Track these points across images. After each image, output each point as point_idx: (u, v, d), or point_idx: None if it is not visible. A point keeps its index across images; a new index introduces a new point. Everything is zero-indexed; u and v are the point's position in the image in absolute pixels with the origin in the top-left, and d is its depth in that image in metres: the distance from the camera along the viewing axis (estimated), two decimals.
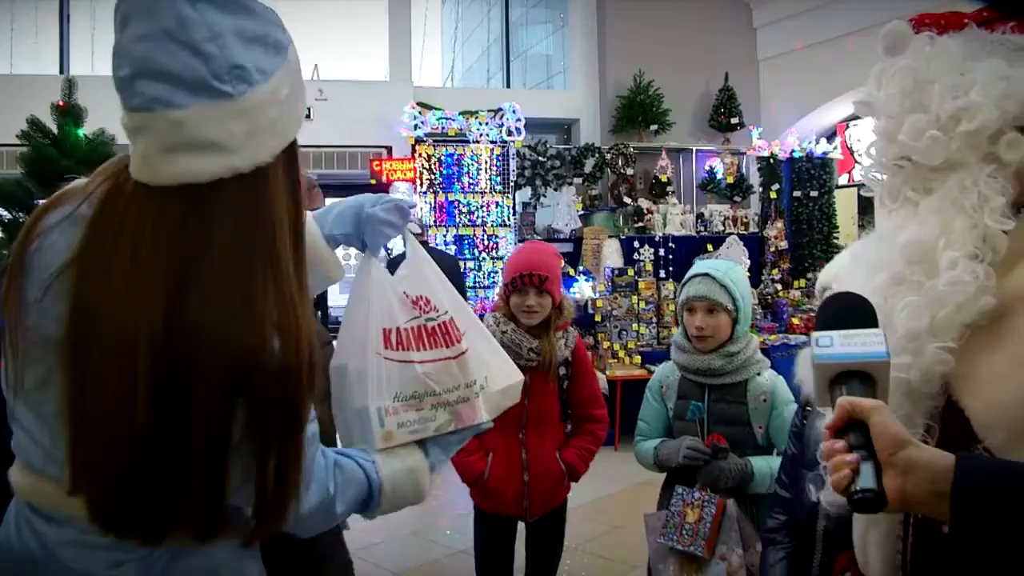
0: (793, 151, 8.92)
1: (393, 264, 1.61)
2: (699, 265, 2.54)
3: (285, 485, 1.02)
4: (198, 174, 0.95)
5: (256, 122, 0.98)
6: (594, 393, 2.89)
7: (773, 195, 8.89)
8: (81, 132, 3.26)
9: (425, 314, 1.48)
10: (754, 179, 9.18)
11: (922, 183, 1.10)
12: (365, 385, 1.37)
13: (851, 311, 1.00)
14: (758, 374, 2.43)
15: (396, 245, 6.67)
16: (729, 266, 2.52)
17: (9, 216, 3.00)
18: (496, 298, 2.93)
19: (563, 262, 2.95)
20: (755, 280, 8.13)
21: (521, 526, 2.88)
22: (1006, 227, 1.01)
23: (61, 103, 3.15)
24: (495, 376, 1.55)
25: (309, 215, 1.46)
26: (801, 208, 8.96)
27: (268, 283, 0.98)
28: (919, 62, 1.12)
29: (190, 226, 0.96)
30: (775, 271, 8.50)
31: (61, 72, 8.77)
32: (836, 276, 1.27)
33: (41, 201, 3.34)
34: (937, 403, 1.02)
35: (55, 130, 3.27)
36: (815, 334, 0.99)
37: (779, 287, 8.33)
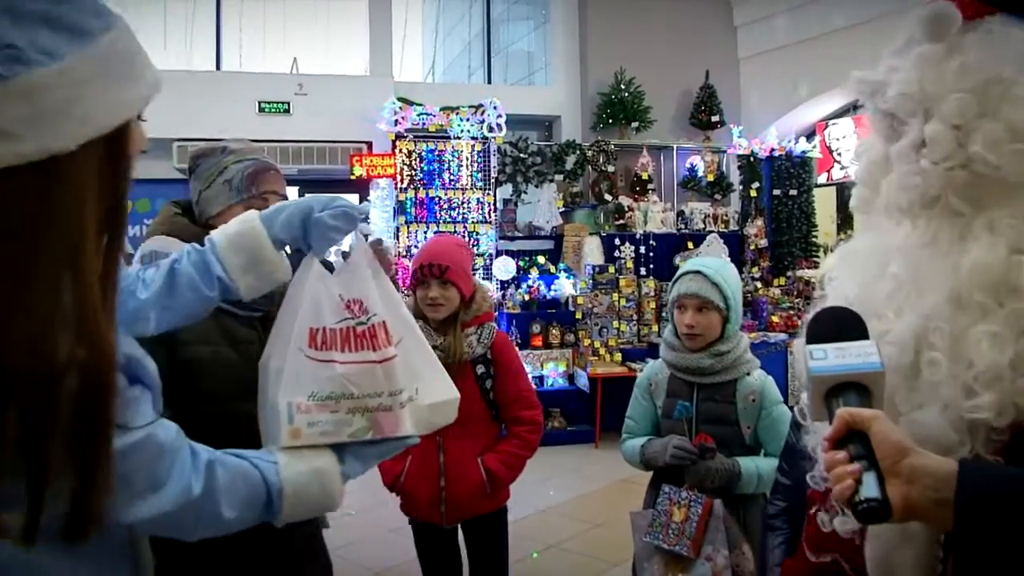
0: (773, 149, 8.97)
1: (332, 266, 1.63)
2: (691, 262, 2.52)
3: (81, 504, 0.94)
4: None
5: (40, 105, 0.90)
6: (520, 393, 2.72)
7: (753, 193, 8.93)
8: None
9: (356, 317, 1.44)
10: (734, 177, 9.23)
11: (971, 192, 1.02)
12: (282, 379, 1.34)
13: (843, 324, 1.00)
14: (748, 374, 2.42)
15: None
16: (721, 264, 2.50)
17: None
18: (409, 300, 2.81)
19: (473, 256, 2.82)
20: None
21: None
22: None
23: None
24: (427, 389, 1.50)
25: (255, 214, 1.46)
26: (781, 206, 9.01)
27: (60, 284, 0.91)
28: (985, 59, 1.02)
29: None
30: (755, 269, 8.54)
31: None
32: (836, 276, 1.20)
33: None
34: (1003, 438, 0.96)
35: None
36: (809, 347, 0.99)
37: (759, 285, 8.38)
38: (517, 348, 2.75)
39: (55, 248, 0.92)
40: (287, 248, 1.57)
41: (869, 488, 0.86)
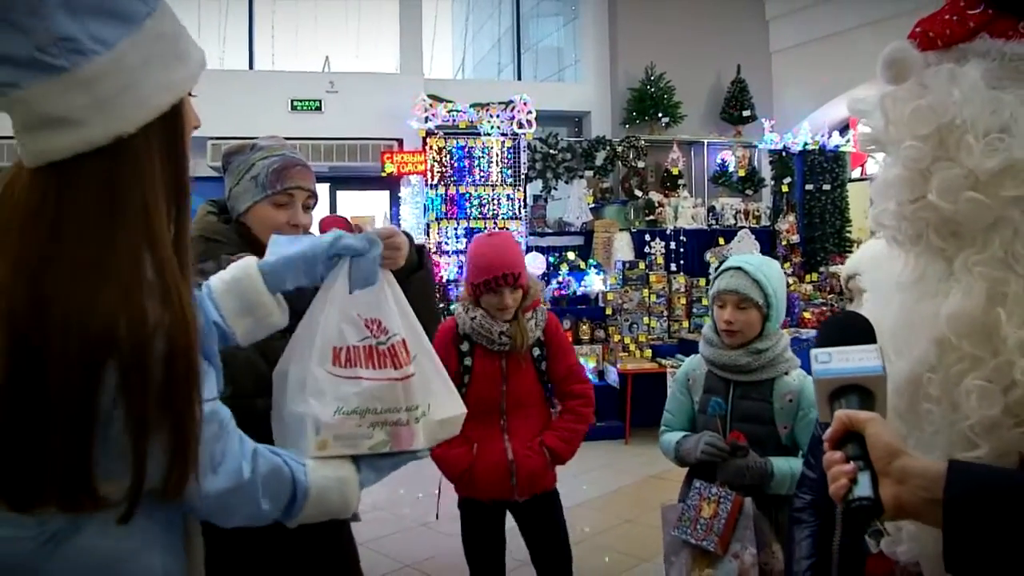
0: (805, 144, 8.87)
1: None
2: (734, 258, 2.49)
3: (174, 464, 1.01)
4: (56, 150, 0.97)
5: (101, 92, 0.97)
6: (571, 368, 2.82)
7: (785, 188, 8.85)
8: None
9: (375, 337, 1.51)
10: (766, 172, 9.15)
11: (947, 227, 1.00)
12: (306, 393, 1.40)
13: (850, 329, 1.03)
14: (786, 373, 2.39)
15: None
16: (764, 260, 2.47)
17: None
18: (462, 291, 2.88)
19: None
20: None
21: (511, 523, 2.84)
22: None
23: None
24: (438, 405, 1.56)
25: (252, 260, 1.44)
26: (813, 202, 8.91)
27: (141, 255, 0.99)
28: (941, 103, 0.99)
29: (51, 202, 0.97)
30: (787, 265, 8.46)
31: None
32: (864, 266, 1.21)
33: None
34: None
35: None
36: (814, 351, 1.02)
37: (791, 281, 8.30)
38: None
39: (130, 223, 0.99)
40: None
41: (862, 487, 0.89)
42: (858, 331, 1.02)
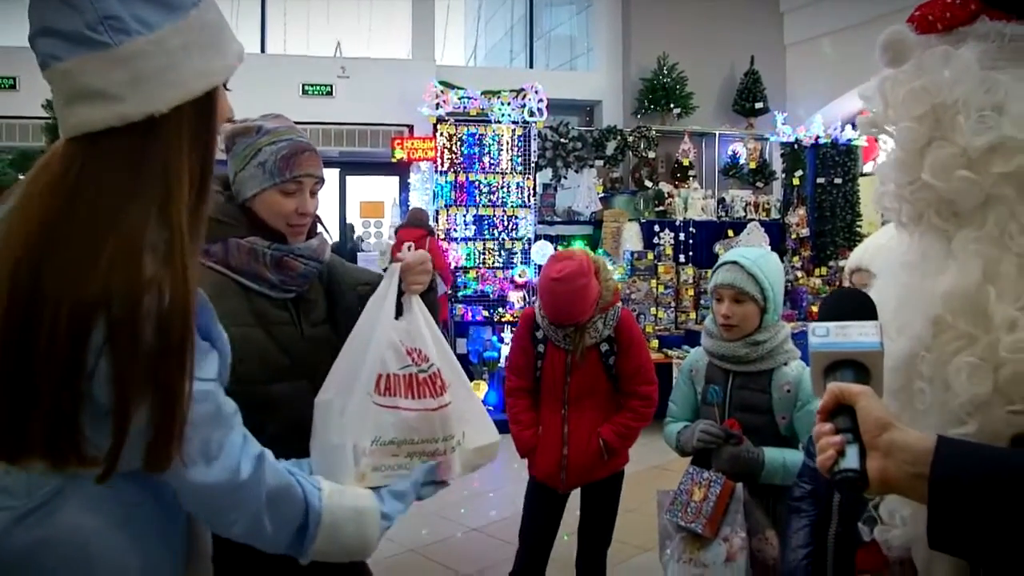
0: (818, 137, 8.83)
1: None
2: (730, 252, 2.50)
3: (158, 436, 1.00)
4: (91, 122, 1.01)
5: (139, 71, 1.01)
6: (639, 369, 2.89)
7: (796, 181, 8.82)
8: None
9: (417, 365, 1.53)
10: (777, 165, 9.11)
11: (947, 207, 1.01)
12: (347, 423, 1.40)
13: (851, 304, 1.02)
14: (785, 364, 2.40)
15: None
16: (761, 254, 2.47)
17: None
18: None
19: (593, 266, 2.90)
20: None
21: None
22: None
23: None
24: (472, 433, 1.58)
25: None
26: (824, 195, 8.88)
27: (149, 222, 1.02)
28: (936, 82, 1.00)
29: (76, 169, 1.01)
30: (796, 258, 8.44)
31: None
32: (867, 260, 1.20)
33: None
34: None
35: None
36: (812, 325, 1.02)
37: (799, 274, 8.27)
38: None
39: (147, 195, 1.02)
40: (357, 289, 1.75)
41: (850, 460, 0.90)
42: (859, 307, 1.01)
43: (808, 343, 1.02)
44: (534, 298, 3.01)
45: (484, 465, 1.62)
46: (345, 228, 9.98)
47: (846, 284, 1.13)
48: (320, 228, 1.93)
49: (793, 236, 8.60)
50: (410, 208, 8.02)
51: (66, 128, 1.03)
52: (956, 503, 0.84)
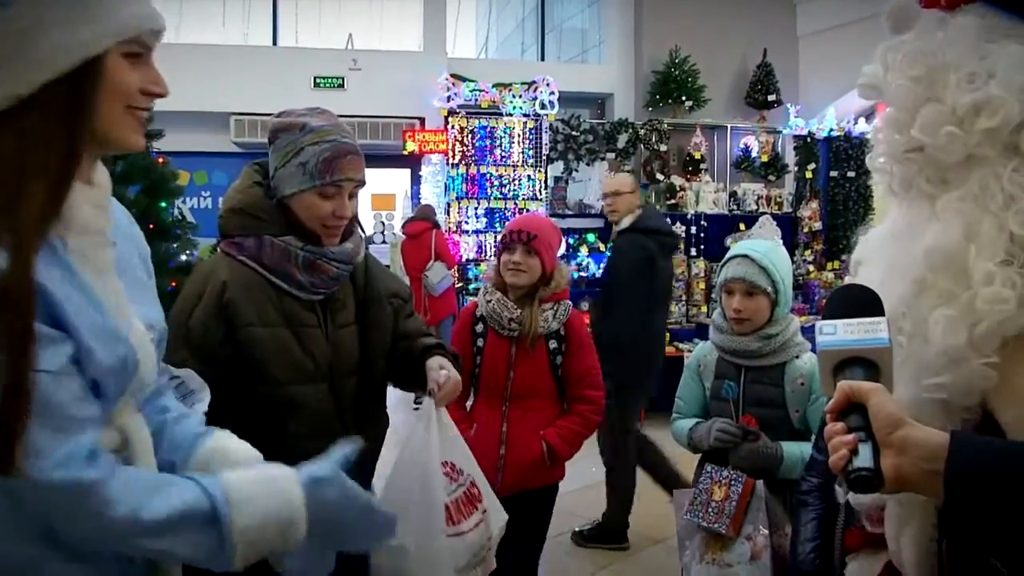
0: (831, 130, 8.77)
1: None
2: (739, 245, 2.49)
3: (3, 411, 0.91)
4: None
5: None
6: (589, 371, 2.75)
7: (809, 175, 8.77)
8: None
9: (458, 482, 1.65)
10: (790, 158, 9.06)
11: (937, 174, 1.02)
12: (434, 567, 1.50)
13: (857, 301, 1.01)
14: (797, 357, 2.39)
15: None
16: (770, 247, 2.46)
17: None
18: (491, 270, 2.89)
19: (561, 239, 2.90)
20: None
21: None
22: None
23: None
24: (494, 519, 1.70)
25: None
26: (837, 189, 8.83)
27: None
28: (932, 46, 1.03)
29: None
30: (808, 252, 8.41)
31: None
32: (861, 260, 1.21)
33: None
34: (973, 418, 0.98)
35: None
36: (819, 323, 1.01)
37: (811, 268, 8.24)
38: None
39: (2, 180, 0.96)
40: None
41: (863, 458, 0.89)
42: (866, 303, 1.00)
43: (816, 341, 1.01)
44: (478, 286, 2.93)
45: (498, 540, 1.79)
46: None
47: (853, 278, 1.13)
48: (356, 228, 1.90)
49: (805, 230, 8.56)
50: (420, 202, 8.04)
51: None
52: (972, 497, 0.84)
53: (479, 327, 2.77)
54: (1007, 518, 0.82)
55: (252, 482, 1.10)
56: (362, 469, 1.85)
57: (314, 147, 1.74)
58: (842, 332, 0.98)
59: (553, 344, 2.72)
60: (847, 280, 1.23)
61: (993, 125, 0.96)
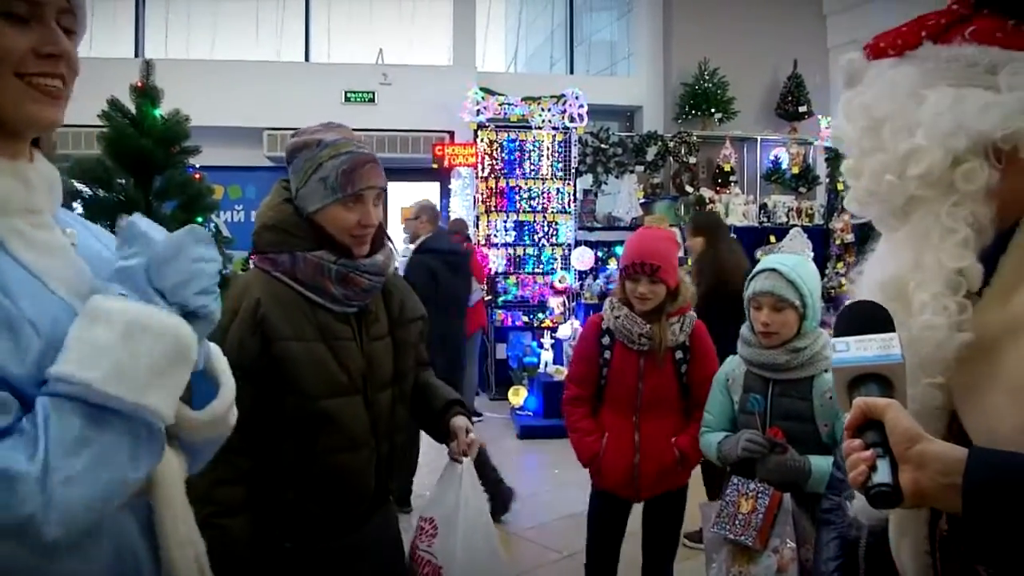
0: None
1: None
2: (767, 259, 2.49)
3: None
4: None
5: None
6: (709, 378, 2.80)
7: (841, 186, 8.68)
8: (158, 112, 3.38)
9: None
10: (821, 170, 9.00)
11: (900, 210, 1.08)
12: None
13: (868, 317, 1.03)
14: (825, 370, 2.37)
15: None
16: (798, 261, 2.46)
17: (90, 193, 3.14)
18: (615, 285, 2.98)
19: (680, 248, 2.96)
20: (819, 273, 8.01)
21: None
22: (962, 263, 1.00)
23: (140, 84, 3.26)
24: None
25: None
26: None
27: None
28: (873, 99, 1.10)
29: None
30: (840, 264, 8.32)
31: (136, 55, 9.05)
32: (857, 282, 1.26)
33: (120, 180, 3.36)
34: (941, 428, 1.02)
35: (133, 110, 3.40)
36: (832, 340, 1.03)
37: (844, 281, 8.16)
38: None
39: None
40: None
41: (882, 474, 0.89)
42: (877, 319, 1.02)
43: (830, 358, 1.04)
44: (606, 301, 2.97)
45: None
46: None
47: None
48: (386, 240, 1.92)
49: (837, 242, 8.48)
50: (450, 217, 8.09)
51: None
52: (990, 512, 0.84)
53: (605, 339, 2.86)
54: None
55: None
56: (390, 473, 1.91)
57: (332, 161, 1.77)
58: (855, 349, 0.99)
59: (679, 355, 2.82)
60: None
61: (920, 172, 1.02)
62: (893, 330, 1.00)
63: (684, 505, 2.94)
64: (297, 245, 1.78)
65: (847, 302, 1.10)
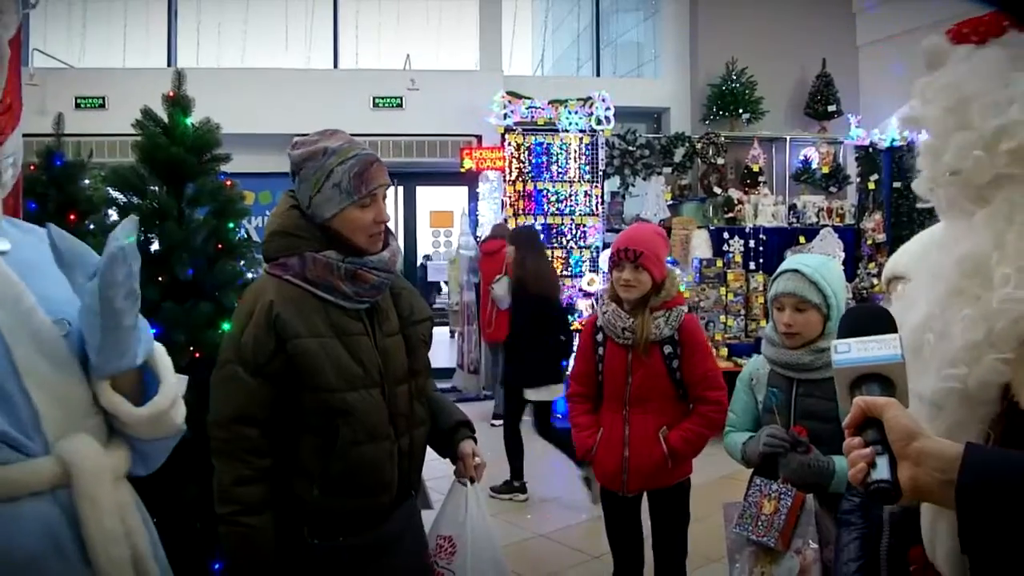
0: (893, 140, 8.60)
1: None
2: (790, 260, 2.48)
3: None
4: None
5: None
6: (707, 373, 2.86)
7: (871, 186, 8.60)
8: (189, 121, 3.45)
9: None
10: (851, 169, 8.90)
11: (976, 193, 1.08)
12: None
13: (870, 319, 1.06)
14: None
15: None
16: (821, 261, 2.45)
17: (124, 200, 3.22)
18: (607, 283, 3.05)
19: (669, 245, 3.00)
20: (850, 274, 7.91)
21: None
22: None
23: (171, 94, 3.33)
24: None
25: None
26: (901, 200, 8.62)
27: None
28: (960, 78, 1.11)
29: None
30: (872, 265, 8.23)
31: (169, 65, 9.20)
32: (901, 269, 1.26)
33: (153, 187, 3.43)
34: (994, 409, 1.03)
35: (166, 119, 3.48)
36: (834, 342, 1.06)
37: (875, 281, 8.07)
38: None
39: None
40: None
41: (881, 471, 0.92)
42: (878, 322, 1.04)
43: (832, 360, 1.06)
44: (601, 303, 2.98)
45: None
46: (412, 244, 10.04)
47: (887, 293, 1.20)
48: (391, 238, 2.00)
49: (869, 242, 8.39)
50: (478, 219, 8.13)
51: None
52: (984, 507, 0.86)
53: (599, 336, 2.93)
54: (1018, 528, 0.84)
55: None
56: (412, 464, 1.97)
57: (342, 166, 1.85)
58: (856, 350, 1.02)
59: (668, 349, 2.83)
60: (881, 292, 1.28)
61: (1014, 146, 1.02)
62: (894, 331, 1.03)
63: (686, 502, 2.94)
64: (305, 246, 1.85)
65: (878, 301, 1.12)
